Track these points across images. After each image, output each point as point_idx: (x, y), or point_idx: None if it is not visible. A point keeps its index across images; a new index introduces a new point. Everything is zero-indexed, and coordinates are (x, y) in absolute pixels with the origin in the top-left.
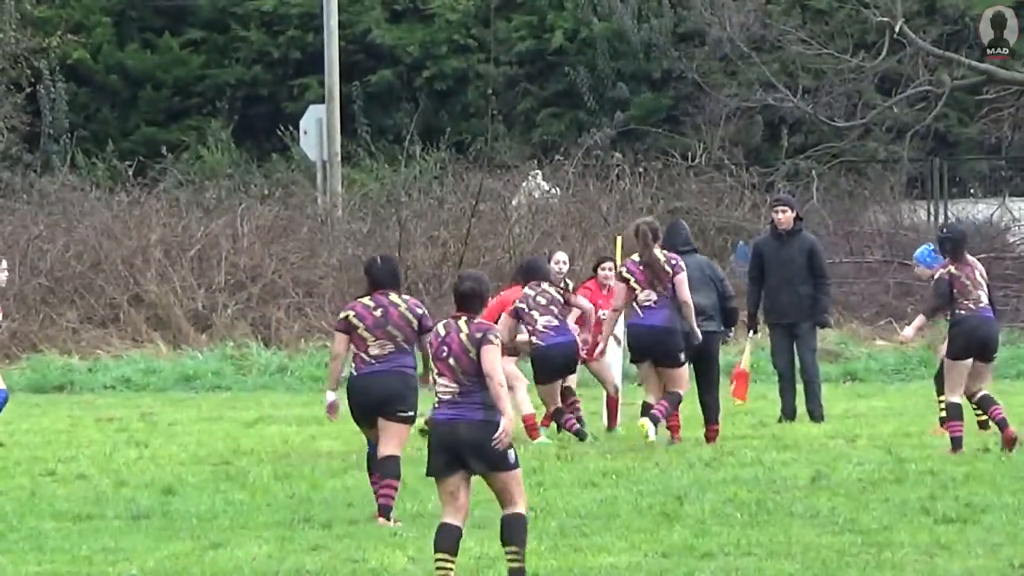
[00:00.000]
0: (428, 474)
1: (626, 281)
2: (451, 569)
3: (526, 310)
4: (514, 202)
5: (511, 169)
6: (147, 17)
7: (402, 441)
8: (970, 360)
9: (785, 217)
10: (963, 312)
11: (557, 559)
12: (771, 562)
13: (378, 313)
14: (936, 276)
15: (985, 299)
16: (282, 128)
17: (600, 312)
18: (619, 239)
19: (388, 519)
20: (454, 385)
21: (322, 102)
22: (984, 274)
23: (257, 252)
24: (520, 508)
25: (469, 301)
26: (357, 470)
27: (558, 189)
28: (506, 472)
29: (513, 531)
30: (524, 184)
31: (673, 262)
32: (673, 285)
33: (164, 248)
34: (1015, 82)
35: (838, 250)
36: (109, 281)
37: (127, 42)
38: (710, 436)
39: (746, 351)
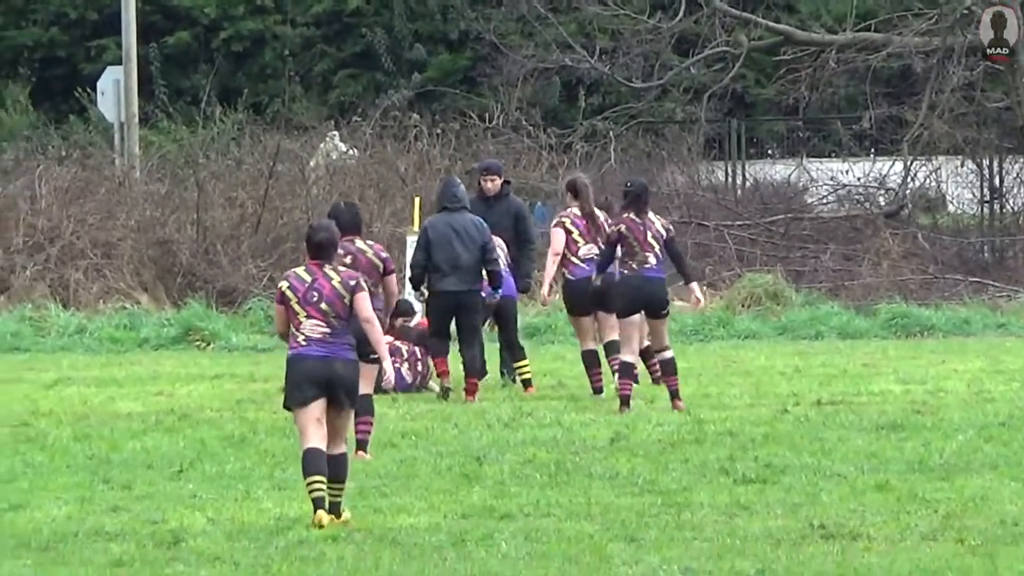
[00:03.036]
0: (293, 405)
1: (568, 232)
2: (324, 489)
3: None
4: (311, 163)
5: (308, 130)
6: None
7: (372, 380)
8: (638, 317)
9: (492, 185)
10: (624, 271)
11: (356, 520)
12: (570, 523)
13: (348, 260)
14: (608, 231)
15: (653, 260)
16: (80, 90)
17: None
18: (417, 200)
19: (366, 452)
20: (325, 327)
21: (119, 63)
22: (659, 234)
23: (55, 214)
24: (345, 448)
25: (325, 250)
26: (156, 431)
27: (356, 150)
28: (351, 411)
29: (341, 468)
30: (322, 145)
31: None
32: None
33: None
34: (812, 43)
35: None
36: None
37: None
38: (470, 389)
39: None
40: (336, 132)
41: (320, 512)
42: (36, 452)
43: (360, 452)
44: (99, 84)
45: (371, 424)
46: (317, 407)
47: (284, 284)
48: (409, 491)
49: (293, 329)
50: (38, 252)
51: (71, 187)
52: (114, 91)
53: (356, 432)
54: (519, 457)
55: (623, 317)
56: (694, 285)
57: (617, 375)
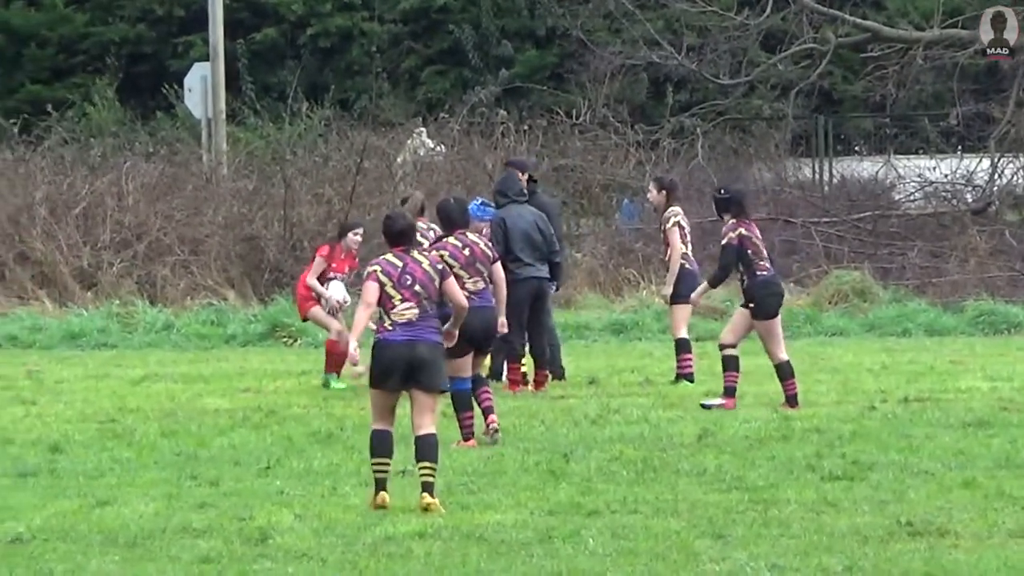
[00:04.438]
0: (377, 386)
1: (682, 229)
2: (389, 470)
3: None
4: (399, 160)
5: (396, 127)
6: None
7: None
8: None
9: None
10: (764, 273)
11: (444, 517)
12: (657, 519)
13: (467, 253)
14: (725, 241)
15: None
16: (167, 86)
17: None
18: None
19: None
20: (416, 309)
21: (207, 60)
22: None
23: (142, 210)
24: (434, 428)
25: (407, 236)
26: (243, 427)
27: (443, 147)
28: (437, 393)
29: (431, 449)
30: (409, 142)
31: None
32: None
33: (49, 206)
34: (900, 40)
35: None
36: None
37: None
38: (539, 381)
39: None
40: (423, 128)
41: (382, 493)
42: (123, 448)
43: (490, 435)
44: (186, 80)
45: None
46: (397, 394)
47: (376, 268)
48: (496, 488)
49: (384, 313)
50: (125, 248)
51: (158, 183)
52: (201, 87)
53: (482, 407)
54: (606, 454)
55: (771, 318)
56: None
57: (784, 377)
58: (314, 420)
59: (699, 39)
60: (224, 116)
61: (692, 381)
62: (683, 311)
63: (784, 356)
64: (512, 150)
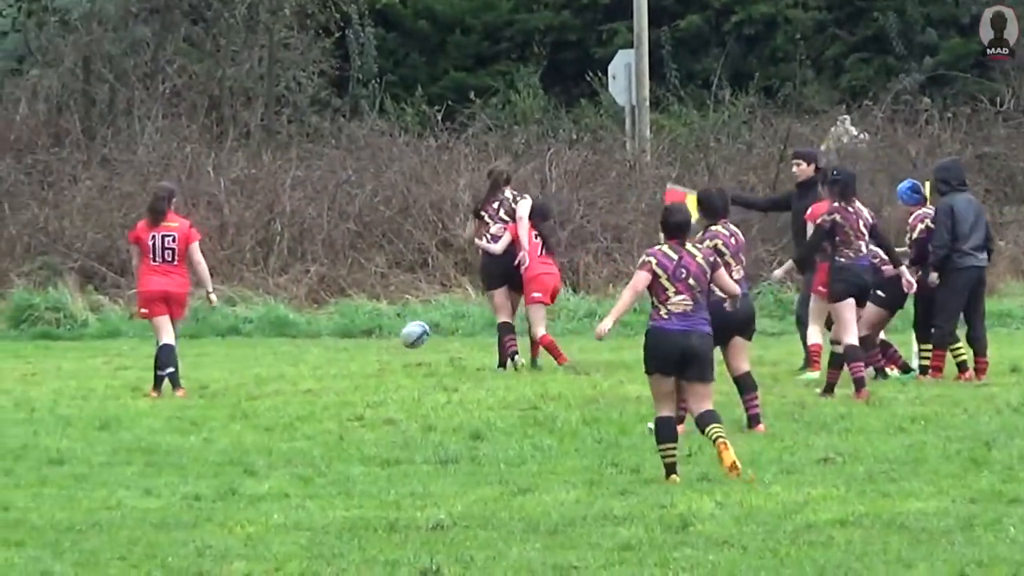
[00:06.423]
0: (652, 371)
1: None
2: (675, 454)
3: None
4: (822, 147)
5: (819, 114)
6: None
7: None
8: (853, 301)
9: (799, 170)
10: (842, 260)
11: (864, 504)
12: None
13: (734, 241)
14: (818, 221)
15: (865, 248)
16: (591, 73)
17: None
18: (927, 184)
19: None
20: (690, 301)
21: (631, 47)
22: (869, 223)
23: (566, 197)
24: (711, 405)
25: (683, 230)
26: None
27: (867, 134)
28: (710, 383)
29: (713, 417)
30: (832, 129)
31: None
32: None
33: (472, 193)
34: None
35: None
36: (417, 226)
37: None
38: (981, 369)
39: None
40: (847, 116)
41: (673, 476)
42: (545, 435)
43: (758, 427)
44: (610, 68)
45: (758, 398)
46: (671, 380)
47: (652, 260)
48: (918, 476)
49: (657, 303)
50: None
51: (582, 170)
52: (625, 75)
53: (748, 408)
54: None
55: (836, 301)
56: (903, 269)
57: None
58: (736, 408)
59: None
60: (648, 103)
61: None
62: None
63: (849, 341)
64: (936, 138)
